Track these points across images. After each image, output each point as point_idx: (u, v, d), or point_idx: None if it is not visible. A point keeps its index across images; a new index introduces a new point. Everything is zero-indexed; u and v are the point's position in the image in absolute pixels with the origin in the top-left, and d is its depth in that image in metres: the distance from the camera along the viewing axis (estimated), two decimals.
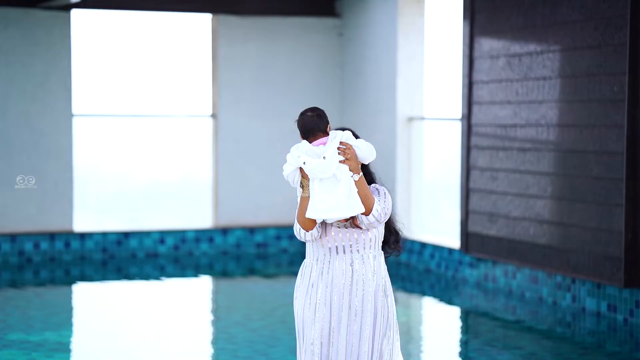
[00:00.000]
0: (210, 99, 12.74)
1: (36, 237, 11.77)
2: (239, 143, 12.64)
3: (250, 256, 12.36)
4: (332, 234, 4.95)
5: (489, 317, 9.16)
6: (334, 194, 4.83)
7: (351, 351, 4.94)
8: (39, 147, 11.84)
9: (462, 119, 10.41)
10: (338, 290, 4.94)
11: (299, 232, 4.95)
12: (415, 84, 11.78)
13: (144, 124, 13.61)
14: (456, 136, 10.91)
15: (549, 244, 9.29)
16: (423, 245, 11.33)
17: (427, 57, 11.86)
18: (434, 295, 10.32)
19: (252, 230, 12.60)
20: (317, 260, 5.00)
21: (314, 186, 4.85)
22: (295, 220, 4.96)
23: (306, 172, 4.84)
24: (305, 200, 4.88)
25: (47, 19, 11.79)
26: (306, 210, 4.86)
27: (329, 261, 4.97)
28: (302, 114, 4.96)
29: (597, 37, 8.70)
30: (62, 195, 11.94)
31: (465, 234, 10.38)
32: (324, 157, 4.83)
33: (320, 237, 4.96)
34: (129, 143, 14.22)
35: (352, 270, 4.95)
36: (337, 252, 4.96)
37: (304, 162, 4.83)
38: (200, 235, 12.42)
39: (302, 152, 4.87)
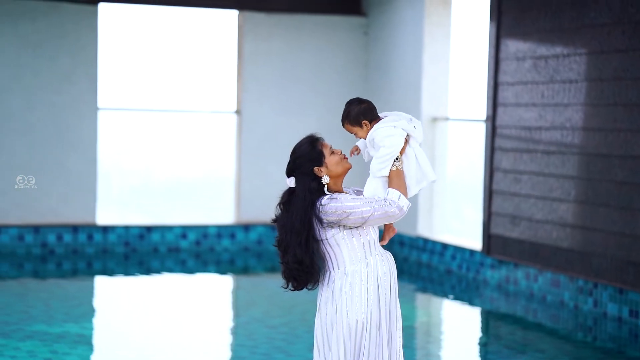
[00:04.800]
0: (234, 95, 12.76)
1: (59, 229, 11.83)
2: (262, 139, 12.65)
3: (272, 253, 12.37)
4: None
5: (509, 320, 9.13)
6: (421, 162, 4.58)
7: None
8: (64, 139, 11.89)
9: (486, 121, 10.38)
10: (385, 292, 4.53)
11: (407, 207, 4.47)
12: (440, 85, 11.76)
13: (168, 119, 13.65)
14: (480, 137, 10.88)
15: (572, 247, 9.25)
16: (444, 246, 11.30)
17: (453, 58, 11.84)
18: (455, 297, 10.30)
19: (274, 227, 12.58)
20: (356, 261, 4.52)
21: (411, 155, 4.54)
22: (403, 196, 4.48)
23: (416, 135, 4.54)
24: (401, 173, 4.52)
25: (74, 12, 11.85)
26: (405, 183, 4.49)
27: (367, 261, 4.52)
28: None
29: (625, 41, 8.65)
30: (86, 188, 11.99)
31: (487, 236, 10.35)
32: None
33: (357, 228, 4.50)
34: (153, 138, 14.27)
35: (390, 269, 4.56)
36: (374, 247, 4.55)
37: (415, 127, 4.50)
38: (222, 231, 12.44)
39: (400, 118, 4.57)
